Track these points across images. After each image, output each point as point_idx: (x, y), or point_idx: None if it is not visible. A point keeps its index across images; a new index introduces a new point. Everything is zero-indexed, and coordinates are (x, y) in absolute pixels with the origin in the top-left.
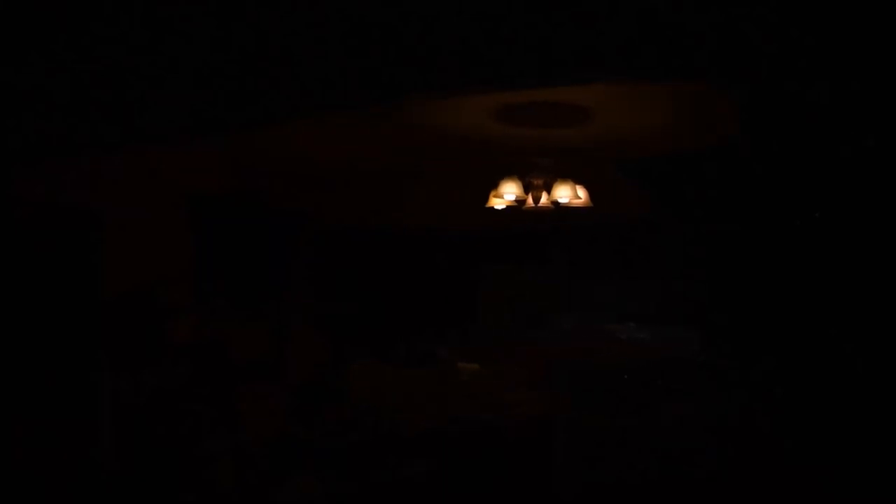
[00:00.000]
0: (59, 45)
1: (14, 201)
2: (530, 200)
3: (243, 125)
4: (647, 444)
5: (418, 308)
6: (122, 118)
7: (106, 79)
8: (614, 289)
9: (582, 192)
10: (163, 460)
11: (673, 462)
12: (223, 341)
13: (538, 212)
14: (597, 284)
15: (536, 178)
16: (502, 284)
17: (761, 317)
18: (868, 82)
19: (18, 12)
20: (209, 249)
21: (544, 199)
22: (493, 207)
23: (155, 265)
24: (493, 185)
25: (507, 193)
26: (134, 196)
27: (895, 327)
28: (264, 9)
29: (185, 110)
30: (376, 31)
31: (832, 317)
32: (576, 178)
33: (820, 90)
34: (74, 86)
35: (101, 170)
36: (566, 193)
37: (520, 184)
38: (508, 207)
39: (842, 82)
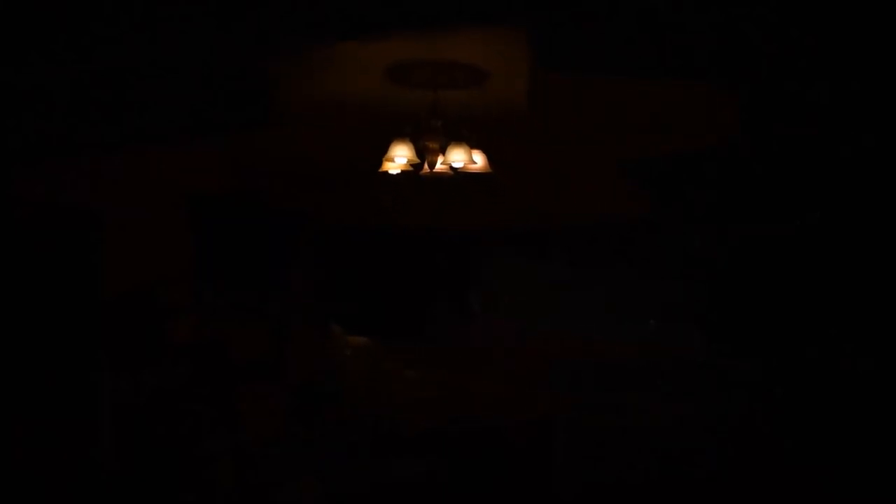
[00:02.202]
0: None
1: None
2: (426, 166)
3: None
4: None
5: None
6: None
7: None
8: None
9: (479, 158)
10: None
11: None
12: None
13: (435, 177)
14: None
15: (431, 141)
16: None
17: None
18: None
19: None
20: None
21: (440, 163)
22: (387, 172)
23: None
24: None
25: (399, 157)
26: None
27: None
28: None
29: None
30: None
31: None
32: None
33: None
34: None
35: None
36: (461, 157)
37: (411, 146)
38: (404, 172)
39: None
